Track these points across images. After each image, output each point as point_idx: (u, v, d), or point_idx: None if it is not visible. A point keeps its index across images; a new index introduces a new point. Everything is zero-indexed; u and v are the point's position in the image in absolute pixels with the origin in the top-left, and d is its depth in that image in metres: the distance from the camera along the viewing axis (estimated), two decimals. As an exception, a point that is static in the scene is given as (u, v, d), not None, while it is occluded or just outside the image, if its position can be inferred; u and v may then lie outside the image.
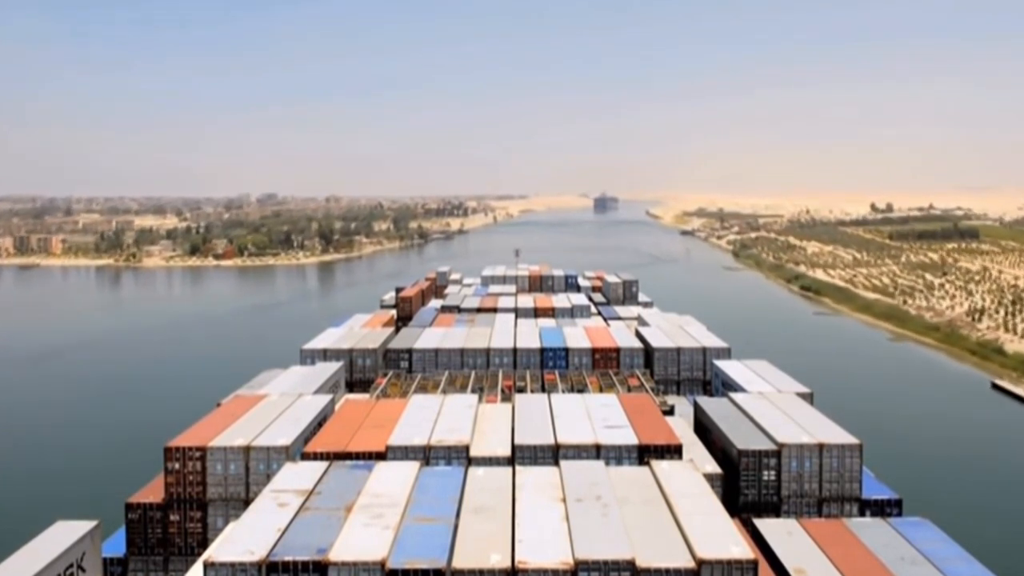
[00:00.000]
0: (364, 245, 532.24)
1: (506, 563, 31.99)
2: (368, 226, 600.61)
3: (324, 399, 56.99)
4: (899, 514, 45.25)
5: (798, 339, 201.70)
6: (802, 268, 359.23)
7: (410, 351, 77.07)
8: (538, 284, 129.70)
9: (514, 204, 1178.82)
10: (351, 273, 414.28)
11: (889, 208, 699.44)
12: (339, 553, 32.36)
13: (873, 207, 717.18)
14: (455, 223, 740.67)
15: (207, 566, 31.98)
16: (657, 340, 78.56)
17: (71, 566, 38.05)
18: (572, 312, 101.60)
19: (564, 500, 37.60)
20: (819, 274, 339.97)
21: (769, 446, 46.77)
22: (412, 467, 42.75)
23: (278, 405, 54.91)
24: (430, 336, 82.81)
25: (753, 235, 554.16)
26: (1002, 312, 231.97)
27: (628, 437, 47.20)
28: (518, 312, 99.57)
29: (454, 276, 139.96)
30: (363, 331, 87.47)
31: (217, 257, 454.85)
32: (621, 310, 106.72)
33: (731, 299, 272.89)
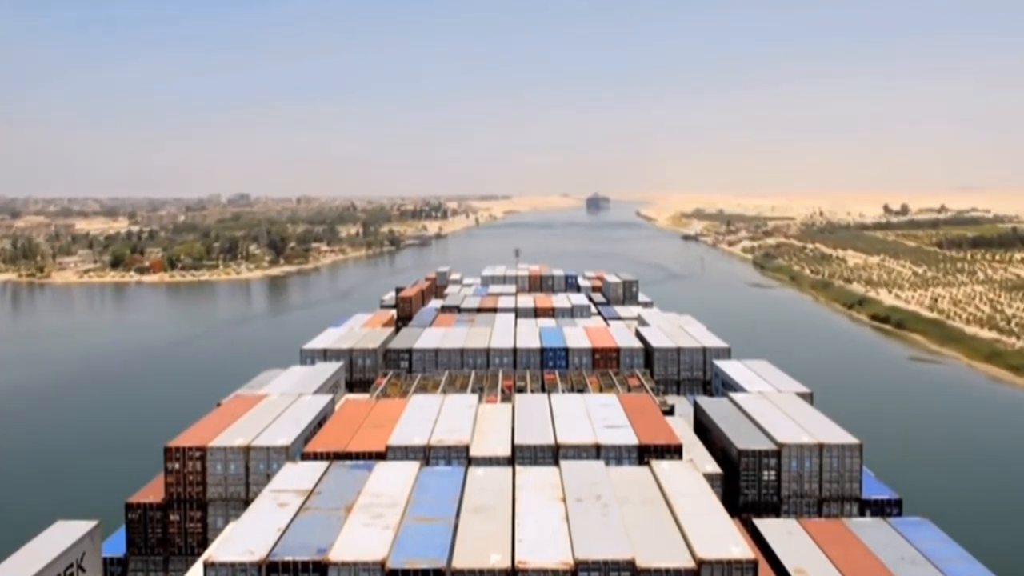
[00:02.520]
0: (323, 254, 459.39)
1: (506, 563, 31.99)
2: (332, 231, 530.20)
3: (324, 399, 56.99)
4: (899, 514, 45.23)
5: (931, 413, 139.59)
6: (856, 287, 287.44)
7: (410, 351, 77.05)
8: (538, 284, 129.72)
9: (498, 205, 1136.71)
10: (304, 290, 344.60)
11: (904, 209, 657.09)
12: (339, 553, 32.36)
13: (886, 208, 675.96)
14: (433, 226, 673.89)
15: (207, 566, 31.98)
16: (657, 340, 78.54)
17: (71, 566, 38.05)
18: (572, 312, 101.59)
19: (564, 500, 37.60)
20: (884, 296, 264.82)
21: (769, 446, 46.75)
22: (412, 467, 42.75)
23: (278, 405, 54.90)
24: (430, 336, 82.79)
25: (771, 241, 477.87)
26: None
27: (628, 437, 47.20)
28: (518, 312, 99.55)
29: (454, 276, 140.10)
30: (363, 331, 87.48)
31: (141, 271, 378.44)
32: (621, 310, 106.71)
33: (784, 334, 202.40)
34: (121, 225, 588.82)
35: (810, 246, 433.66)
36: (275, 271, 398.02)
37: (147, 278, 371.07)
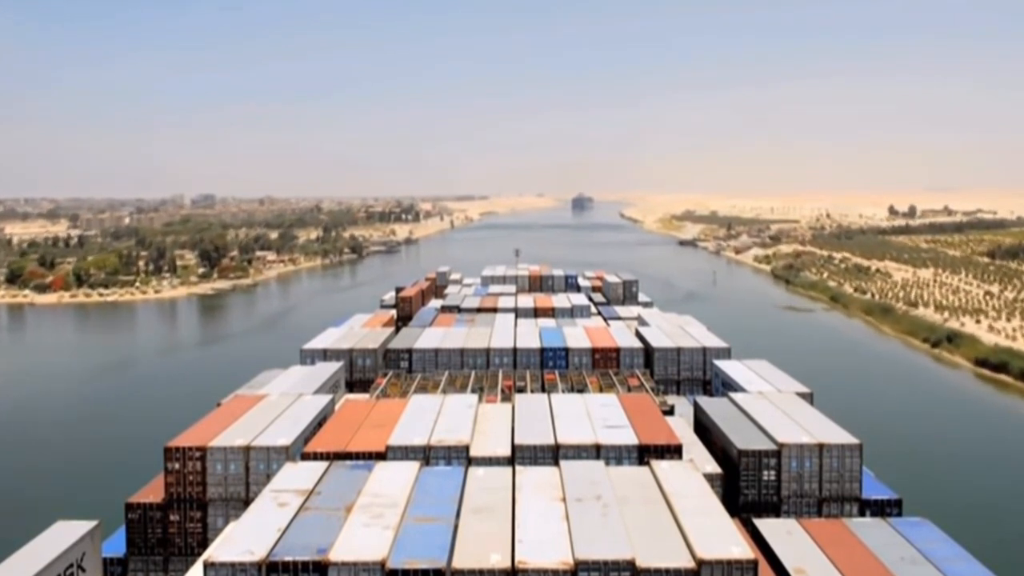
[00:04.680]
0: (269, 265, 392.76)
1: (506, 563, 31.98)
2: (284, 236, 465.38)
3: (324, 399, 56.97)
4: (899, 514, 45.23)
5: None
6: (926, 313, 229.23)
7: (410, 351, 77.04)
8: (538, 284, 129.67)
9: (474, 206, 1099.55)
10: (228, 314, 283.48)
11: (912, 211, 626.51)
12: (339, 553, 32.35)
13: (892, 209, 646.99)
14: (404, 230, 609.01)
15: (207, 566, 31.98)
16: (657, 340, 78.53)
17: (71, 566, 38.03)
18: (572, 312, 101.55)
19: (564, 500, 37.58)
20: (971, 326, 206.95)
21: (769, 446, 46.74)
22: (412, 467, 42.74)
23: (278, 405, 54.89)
24: (430, 336, 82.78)
25: (786, 249, 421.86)
26: None
27: (628, 437, 47.18)
28: (518, 312, 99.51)
29: (454, 276, 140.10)
30: (363, 331, 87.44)
31: (41, 289, 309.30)
32: (621, 310, 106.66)
33: (869, 391, 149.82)
34: (59, 228, 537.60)
35: (837, 255, 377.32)
36: (203, 288, 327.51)
37: (42, 298, 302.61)
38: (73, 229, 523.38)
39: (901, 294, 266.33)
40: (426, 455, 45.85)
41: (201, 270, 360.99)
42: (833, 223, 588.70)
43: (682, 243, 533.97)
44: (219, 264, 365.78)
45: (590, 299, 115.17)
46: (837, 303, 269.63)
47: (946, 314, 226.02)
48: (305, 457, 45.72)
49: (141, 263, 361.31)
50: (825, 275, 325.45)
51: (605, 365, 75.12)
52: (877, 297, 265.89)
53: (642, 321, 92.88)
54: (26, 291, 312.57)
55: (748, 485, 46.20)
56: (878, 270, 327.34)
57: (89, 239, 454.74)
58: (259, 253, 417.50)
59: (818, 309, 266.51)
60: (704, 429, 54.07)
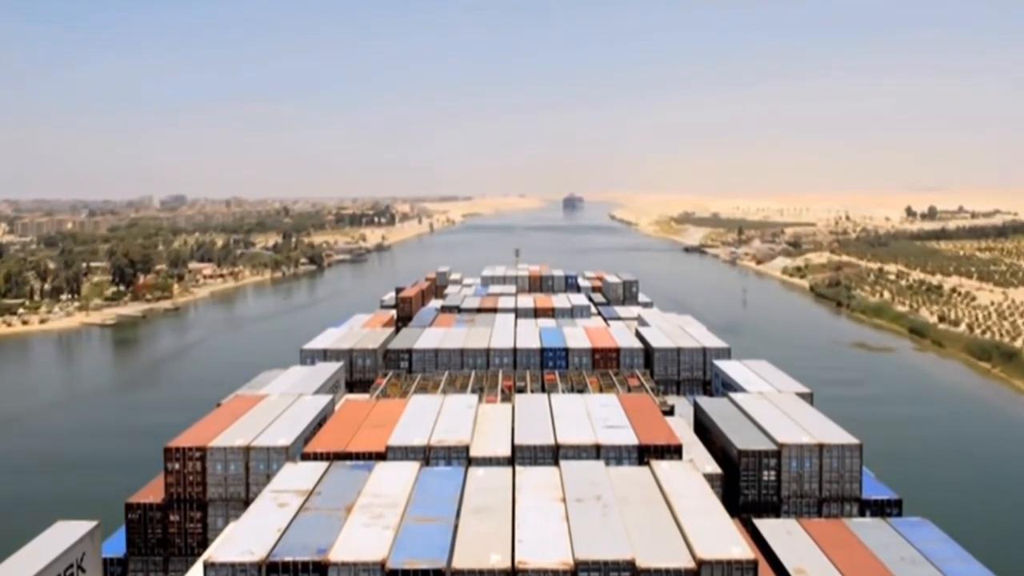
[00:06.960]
0: (204, 281, 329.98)
1: (506, 563, 31.98)
2: (227, 245, 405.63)
3: (324, 399, 57.00)
4: (899, 514, 45.24)
5: None
6: None
7: (410, 351, 77.05)
8: (538, 284, 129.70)
9: (458, 207, 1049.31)
10: (118, 357, 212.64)
11: (932, 213, 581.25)
12: (339, 553, 32.36)
13: (909, 211, 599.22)
14: (376, 235, 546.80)
15: (207, 566, 31.99)
16: (657, 340, 78.54)
17: (71, 566, 38.04)
18: (572, 312, 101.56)
19: (564, 500, 37.60)
20: None
21: (769, 446, 46.75)
22: (412, 467, 42.75)
23: (278, 405, 54.90)
24: (430, 336, 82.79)
25: (818, 259, 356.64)
26: None
27: (628, 437, 47.19)
28: (518, 312, 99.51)
29: (454, 276, 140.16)
30: (363, 331, 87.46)
31: None
32: (621, 310, 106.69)
33: None
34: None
35: (890, 268, 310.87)
36: (105, 315, 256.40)
37: None
38: (10, 235, 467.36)
39: (1006, 326, 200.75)
40: (426, 455, 45.86)
41: (113, 289, 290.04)
42: (856, 226, 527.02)
43: (687, 249, 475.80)
44: (135, 282, 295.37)
45: (590, 299, 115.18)
46: (923, 338, 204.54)
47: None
48: (305, 457, 45.73)
49: (49, 280, 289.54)
50: (886, 295, 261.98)
51: (605, 365, 75.13)
52: (977, 331, 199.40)
53: (642, 321, 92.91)
54: None
55: (748, 485, 46.20)
56: (954, 289, 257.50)
57: (9, 248, 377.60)
58: (195, 265, 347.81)
59: (900, 347, 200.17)
60: (704, 429, 54.08)
